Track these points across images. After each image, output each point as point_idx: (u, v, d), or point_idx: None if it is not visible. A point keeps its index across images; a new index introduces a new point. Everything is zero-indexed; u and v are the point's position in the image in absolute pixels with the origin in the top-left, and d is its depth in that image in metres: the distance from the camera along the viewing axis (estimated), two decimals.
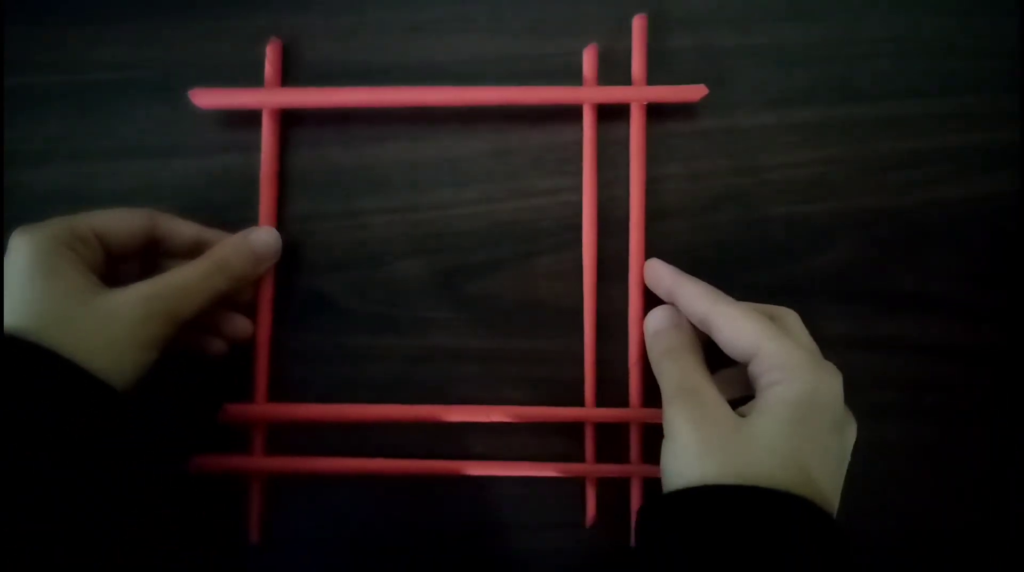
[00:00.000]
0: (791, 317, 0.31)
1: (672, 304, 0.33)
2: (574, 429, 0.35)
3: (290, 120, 0.36)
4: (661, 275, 0.33)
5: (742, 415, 0.28)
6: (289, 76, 0.36)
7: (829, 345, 0.34)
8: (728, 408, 0.29)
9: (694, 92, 0.35)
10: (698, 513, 0.26)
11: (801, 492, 0.26)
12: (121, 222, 0.31)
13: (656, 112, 0.36)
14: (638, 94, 0.35)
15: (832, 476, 0.28)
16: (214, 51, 0.36)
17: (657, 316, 0.33)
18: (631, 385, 0.35)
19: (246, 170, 0.35)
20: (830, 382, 0.28)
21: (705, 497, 0.26)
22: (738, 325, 0.29)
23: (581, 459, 0.35)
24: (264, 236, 0.34)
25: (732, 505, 0.26)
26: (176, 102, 0.35)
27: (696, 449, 0.27)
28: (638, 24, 0.35)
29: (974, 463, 0.35)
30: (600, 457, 0.35)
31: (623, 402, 0.35)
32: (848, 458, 0.29)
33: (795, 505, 0.26)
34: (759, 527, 0.25)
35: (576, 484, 0.35)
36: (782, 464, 0.26)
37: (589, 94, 0.35)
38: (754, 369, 0.29)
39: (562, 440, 0.35)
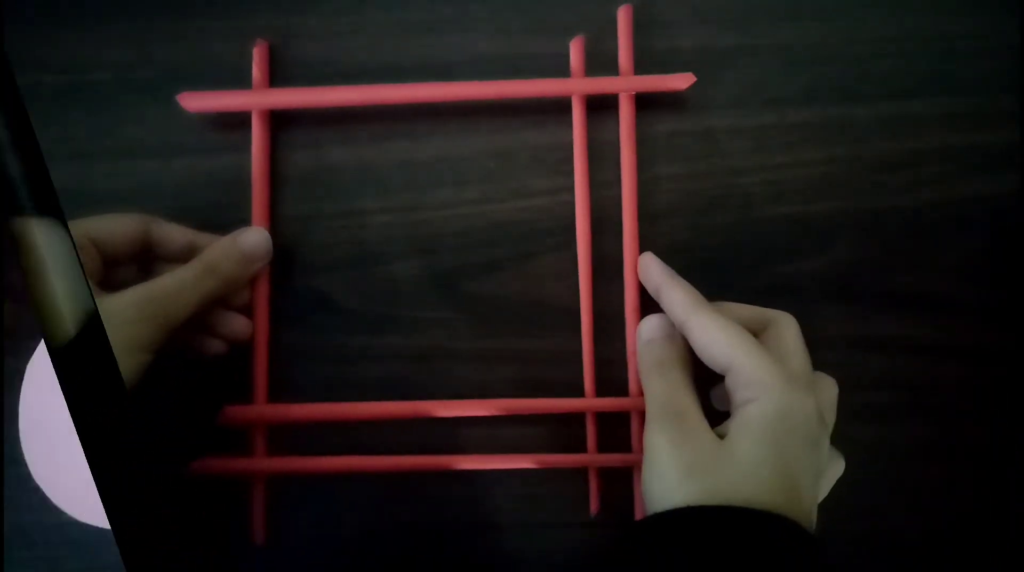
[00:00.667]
0: (785, 322, 0.31)
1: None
2: (575, 424, 0.35)
3: (288, 120, 0.36)
4: (652, 272, 0.33)
5: (721, 433, 0.29)
6: (288, 76, 0.36)
7: (829, 345, 0.34)
8: (709, 430, 0.29)
9: (681, 81, 0.34)
10: (683, 534, 0.26)
11: (780, 510, 0.26)
12: (115, 227, 0.31)
13: (656, 111, 0.36)
14: (625, 84, 0.35)
15: (809, 492, 0.28)
16: (214, 51, 0.36)
17: (650, 325, 0.33)
18: (630, 374, 0.35)
19: (246, 170, 0.35)
20: (802, 399, 0.28)
21: (688, 518, 0.26)
22: (713, 337, 0.29)
23: (582, 453, 0.35)
24: (254, 237, 0.34)
25: (714, 526, 0.26)
26: (176, 102, 0.35)
27: (677, 474, 0.27)
28: (623, 15, 0.35)
29: (974, 463, 0.35)
30: (601, 450, 0.35)
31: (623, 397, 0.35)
32: (825, 471, 0.29)
33: (775, 524, 0.26)
34: (741, 547, 0.25)
35: (577, 483, 0.35)
36: (761, 484, 0.27)
37: (575, 86, 0.35)
38: (729, 384, 0.29)
39: (563, 437, 0.35)
